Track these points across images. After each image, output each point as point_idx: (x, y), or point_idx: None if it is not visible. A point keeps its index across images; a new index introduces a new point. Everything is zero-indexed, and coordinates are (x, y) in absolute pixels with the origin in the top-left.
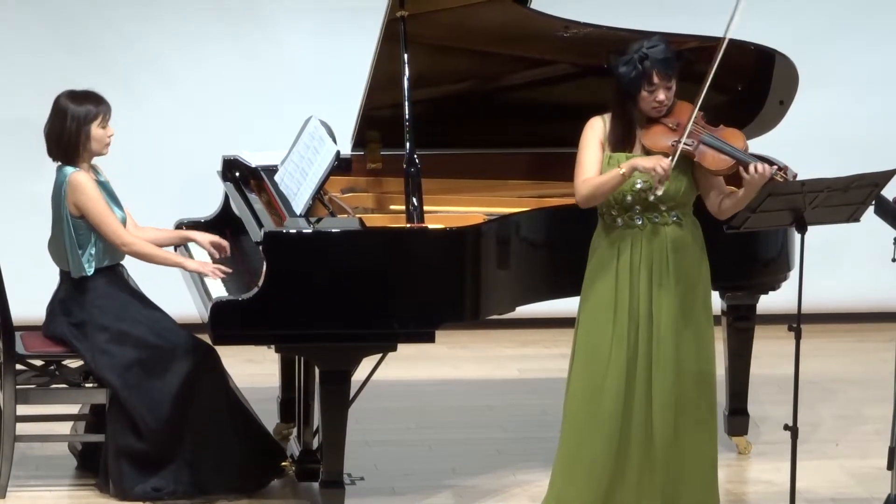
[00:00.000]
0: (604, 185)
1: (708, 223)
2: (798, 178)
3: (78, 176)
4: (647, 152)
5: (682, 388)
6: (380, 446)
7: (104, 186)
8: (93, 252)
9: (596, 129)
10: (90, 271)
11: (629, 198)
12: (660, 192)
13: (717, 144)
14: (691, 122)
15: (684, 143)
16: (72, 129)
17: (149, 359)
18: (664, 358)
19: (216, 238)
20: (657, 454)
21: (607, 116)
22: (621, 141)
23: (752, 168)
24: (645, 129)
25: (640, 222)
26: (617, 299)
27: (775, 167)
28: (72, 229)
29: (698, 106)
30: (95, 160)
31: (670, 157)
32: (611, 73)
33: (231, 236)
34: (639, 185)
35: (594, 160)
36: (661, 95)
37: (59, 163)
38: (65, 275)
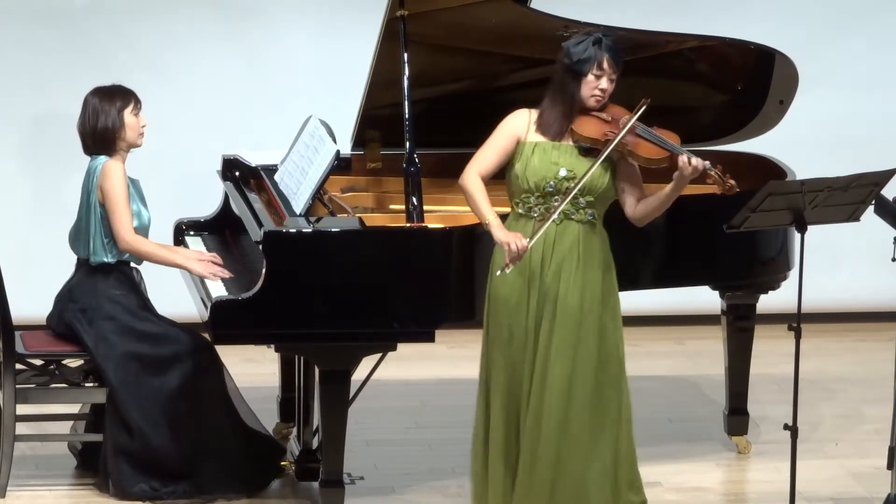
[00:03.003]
0: (472, 202)
1: (707, 222)
2: (798, 177)
3: (111, 163)
4: (575, 141)
5: (575, 399)
6: (380, 446)
7: (134, 184)
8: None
9: (516, 122)
10: (112, 259)
11: (551, 183)
12: (508, 272)
13: (652, 137)
14: (635, 117)
15: (619, 136)
16: (105, 120)
17: (149, 355)
18: (556, 369)
19: (207, 272)
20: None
21: (535, 111)
22: (553, 125)
23: (684, 159)
24: (578, 119)
25: (556, 216)
26: (528, 292)
27: (708, 162)
28: (99, 216)
29: (641, 109)
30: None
31: (529, 241)
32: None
33: (231, 236)
34: (562, 174)
35: (494, 152)
36: (605, 84)
37: (95, 155)
38: (81, 264)
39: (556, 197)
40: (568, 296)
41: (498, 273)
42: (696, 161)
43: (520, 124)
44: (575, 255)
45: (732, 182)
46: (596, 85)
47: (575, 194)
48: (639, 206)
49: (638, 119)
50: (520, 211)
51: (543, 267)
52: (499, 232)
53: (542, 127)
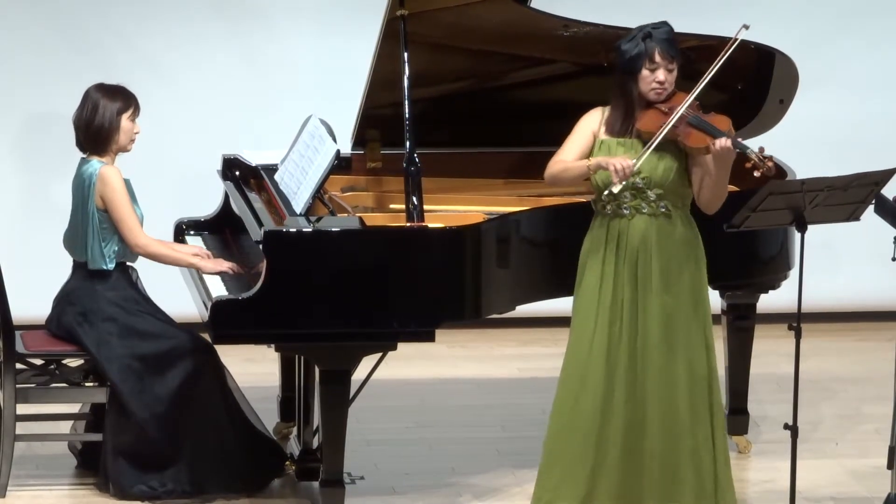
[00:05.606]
0: (569, 171)
1: (707, 222)
2: (798, 177)
3: (109, 169)
4: (639, 136)
5: (673, 393)
6: (380, 446)
7: (127, 184)
8: (115, 249)
9: (591, 119)
10: (111, 265)
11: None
12: (616, 190)
13: (701, 125)
14: (683, 107)
15: (671, 124)
16: (103, 119)
17: (150, 355)
18: (650, 364)
19: (223, 267)
20: (645, 457)
21: (607, 109)
22: (620, 124)
23: (716, 141)
24: (640, 114)
25: (627, 212)
26: (601, 291)
27: (735, 138)
28: (97, 222)
29: (695, 94)
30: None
31: (635, 160)
32: (611, 71)
33: (231, 235)
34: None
35: (576, 146)
36: (662, 76)
37: (86, 154)
38: (78, 266)
39: (626, 194)
40: (647, 291)
41: (605, 193)
42: (720, 141)
43: (594, 121)
44: (648, 247)
45: (771, 164)
46: (653, 78)
47: (641, 187)
48: (698, 195)
49: (694, 108)
50: (598, 208)
51: (618, 265)
52: (602, 159)
53: (609, 126)
